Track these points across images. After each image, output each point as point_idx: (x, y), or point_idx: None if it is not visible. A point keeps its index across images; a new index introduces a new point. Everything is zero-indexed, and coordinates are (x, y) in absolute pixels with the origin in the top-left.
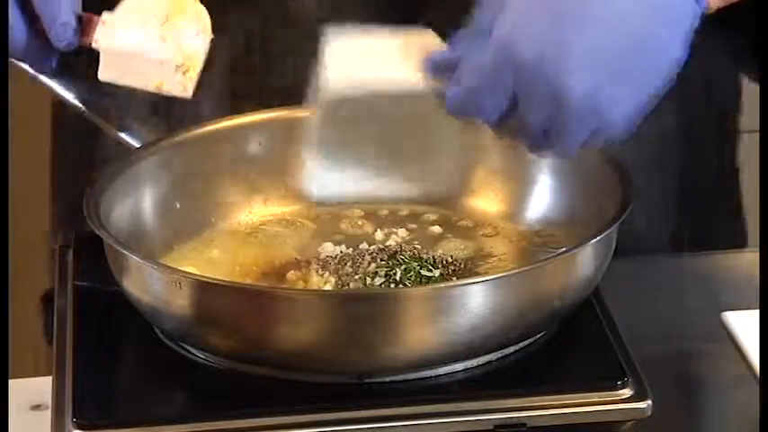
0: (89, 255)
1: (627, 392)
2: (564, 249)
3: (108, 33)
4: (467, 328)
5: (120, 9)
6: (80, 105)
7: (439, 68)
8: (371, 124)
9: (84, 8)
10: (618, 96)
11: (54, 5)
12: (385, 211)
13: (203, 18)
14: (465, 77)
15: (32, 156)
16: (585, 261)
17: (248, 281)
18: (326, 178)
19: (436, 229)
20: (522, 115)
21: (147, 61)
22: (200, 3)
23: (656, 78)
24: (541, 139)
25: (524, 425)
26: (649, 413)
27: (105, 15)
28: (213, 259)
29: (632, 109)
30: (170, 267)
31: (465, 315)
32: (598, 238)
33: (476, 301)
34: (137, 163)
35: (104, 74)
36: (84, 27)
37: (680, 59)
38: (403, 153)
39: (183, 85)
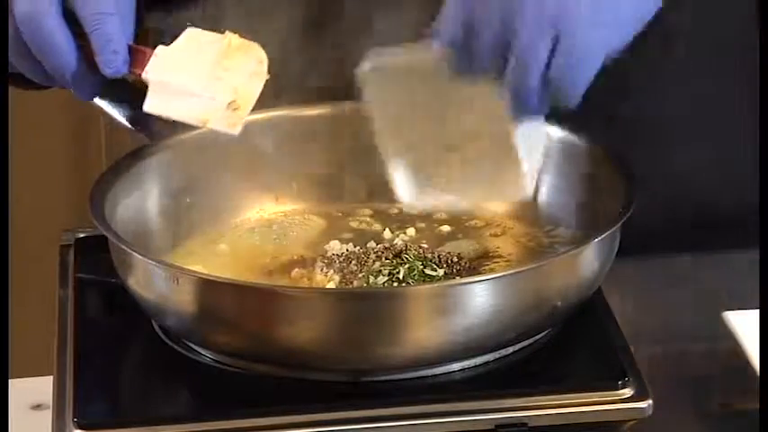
0: (91, 254)
1: (627, 392)
2: (565, 249)
3: (160, 66)
4: (467, 328)
5: (175, 45)
6: (128, 125)
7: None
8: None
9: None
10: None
11: (108, 31)
12: (395, 210)
13: (261, 60)
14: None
15: (33, 155)
16: (587, 261)
17: (253, 278)
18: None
19: (445, 228)
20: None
21: (196, 97)
22: (258, 46)
23: None
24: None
25: (525, 424)
26: (649, 413)
27: (159, 49)
28: (220, 256)
29: (590, 16)
30: (171, 264)
31: (466, 314)
32: (599, 238)
33: (477, 301)
34: (144, 160)
35: (150, 106)
36: (134, 58)
37: None
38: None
39: (230, 122)
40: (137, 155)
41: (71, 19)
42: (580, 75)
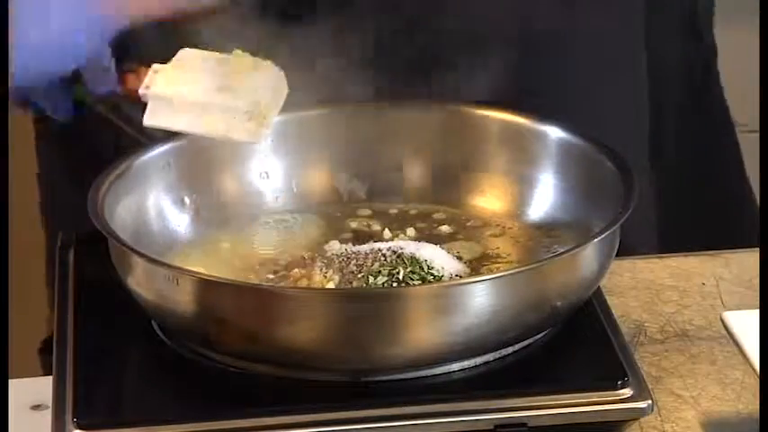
0: (91, 254)
1: (627, 392)
2: (565, 249)
3: (160, 82)
4: (467, 328)
5: (172, 63)
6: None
7: None
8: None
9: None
10: None
11: (97, 49)
12: (395, 211)
13: (276, 74)
14: None
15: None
16: (587, 261)
17: (253, 278)
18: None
19: (445, 228)
20: None
21: (205, 109)
22: (272, 63)
23: None
24: None
25: (525, 424)
26: (649, 413)
27: (157, 66)
28: (221, 256)
29: None
30: (171, 264)
31: (466, 314)
32: (598, 238)
33: (476, 301)
34: (144, 160)
35: (152, 119)
36: (125, 77)
37: None
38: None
39: (251, 132)
40: (137, 155)
41: None
42: None
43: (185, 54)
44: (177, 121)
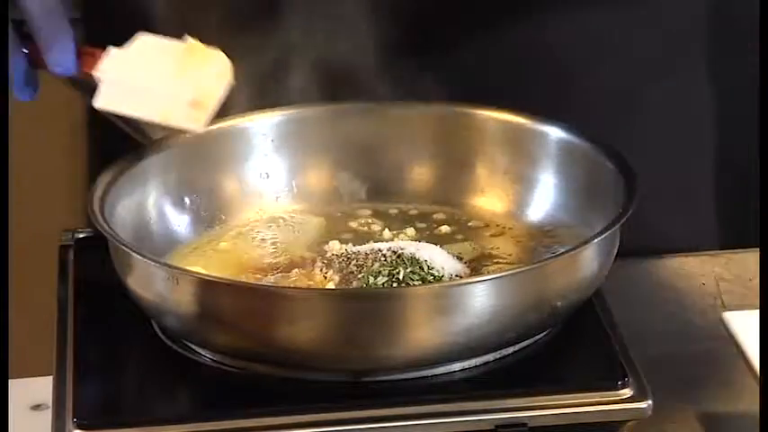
0: (91, 254)
1: (627, 392)
2: (564, 249)
3: (114, 65)
4: (467, 328)
5: (128, 47)
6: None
7: None
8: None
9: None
10: None
11: (56, 31)
12: (395, 211)
13: (224, 64)
14: None
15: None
16: (587, 261)
17: (253, 278)
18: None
19: (445, 228)
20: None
21: (155, 95)
22: (222, 53)
23: None
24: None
25: (525, 425)
26: (649, 413)
27: (112, 49)
28: (220, 256)
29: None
30: (170, 264)
31: (466, 314)
32: (599, 238)
33: (477, 301)
34: (144, 160)
35: (102, 102)
36: (83, 59)
37: None
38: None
39: (192, 119)
40: (137, 155)
41: (17, 20)
42: None
43: (141, 39)
44: (125, 105)
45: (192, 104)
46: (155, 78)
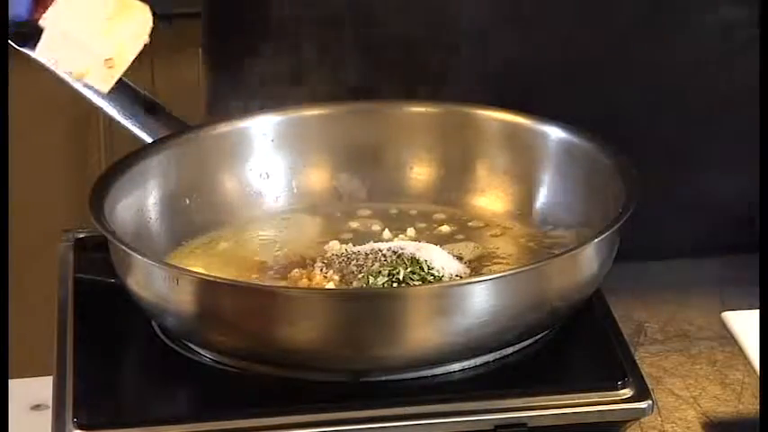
0: (91, 254)
1: (627, 392)
2: (565, 249)
3: (57, 15)
4: (467, 328)
5: None
6: (99, 100)
7: None
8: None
9: None
10: None
11: None
12: (395, 211)
13: (146, 22)
14: None
15: (33, 155)
16: (586, 262)
17: (253, 278)
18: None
19: (445, 228)
20: None
21: (82, 49)
22: (148, 8)
23: None
24: None
25: (525, 425)
26: (649, 413)
27: None
28: (220, 256)
29: None
30: (171, 264)
31: (466, 314)
32: (599, 238)
33: (477, 301)
34: (144, 160)
35: (42, 52)
36: (39, 5)
37: None
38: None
39: (104, 79)
40: (137, 155)
41: None
42: None
43: None
44: (59, 58)
45: (107, 64)
46: (87, 32)
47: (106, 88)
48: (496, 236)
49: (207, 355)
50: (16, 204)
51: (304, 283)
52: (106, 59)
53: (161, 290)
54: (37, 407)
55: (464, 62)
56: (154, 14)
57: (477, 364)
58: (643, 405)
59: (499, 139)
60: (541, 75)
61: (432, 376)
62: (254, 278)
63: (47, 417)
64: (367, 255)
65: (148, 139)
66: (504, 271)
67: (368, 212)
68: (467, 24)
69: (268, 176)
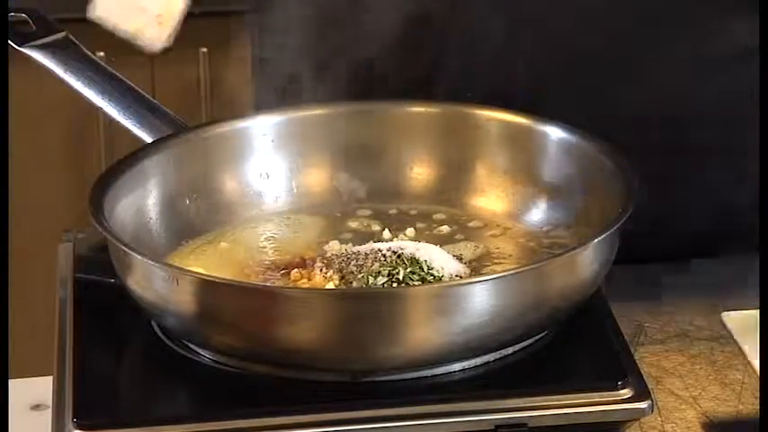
0: (91, 254)
1: (627, 392)
2: (565, 249)
3: None
4: (467, 328)
5: None
6: (99, 100)
7: None
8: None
9: None
10: None
11: None
12: (394, 211)
13: None
14: None
15: (33, 155)
16: (586, 262)
17: (253, 278)
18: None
19: (445, 228)
20: None
21: (134, 6)
22: None
23: None
24: None
25: (525, 425)
26: (649, 413)
27: None
28: (220, 256)
29: None
30: (170, 264)
31: (466, 314)
32: (599, 238)
33: (477, 301)
34: (144, 160)
35: (97, 11)
36: None
37: None
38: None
39: (158, 37)
40: (137, 155)
41: None
42: None
43: None
44: (117, 16)
45: (158, 21)
46: None
47: (159, 46)
48: (496, 236)
49: (207, 355)
50: (16, 204)
51: (304, 282)
52: (157, 15)
53: (161, 290)
54: (37, 407)
55: (464, 62)
56: None
57: (478, 364)
58: (643, 405)
59: (499, 139)
60: (542, 75)
61: (432, 376)
62: (253, 278)
63: (47, 417)
64: (367, 255)
65: (148, 139)
66: (504, 271)
67: (368, 212)
68: (467, 24)
69: (268, 176)
